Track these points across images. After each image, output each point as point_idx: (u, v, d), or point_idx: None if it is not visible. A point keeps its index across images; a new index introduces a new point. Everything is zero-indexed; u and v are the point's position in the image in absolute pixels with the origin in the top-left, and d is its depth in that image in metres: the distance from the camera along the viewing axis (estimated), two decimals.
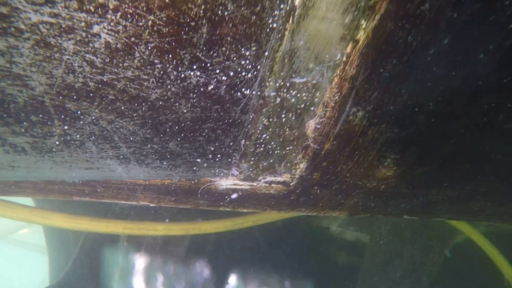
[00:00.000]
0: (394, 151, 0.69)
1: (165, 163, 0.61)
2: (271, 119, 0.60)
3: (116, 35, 0.46)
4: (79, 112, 0.52)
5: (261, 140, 0.63)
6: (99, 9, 0.44)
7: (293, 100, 0.58)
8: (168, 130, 0.57)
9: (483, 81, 0.59)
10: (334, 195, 0.75)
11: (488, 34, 0.54)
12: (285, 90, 0.57)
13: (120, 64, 0.49)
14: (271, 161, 0.67)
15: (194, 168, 0.64)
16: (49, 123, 0.52)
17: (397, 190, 0.76)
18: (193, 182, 0.67)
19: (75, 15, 0.44)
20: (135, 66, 0.49)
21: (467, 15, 0.52)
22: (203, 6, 0.46)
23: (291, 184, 0.71)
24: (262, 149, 0.65)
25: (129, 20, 0.45)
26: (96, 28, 0.45)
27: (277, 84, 0.56)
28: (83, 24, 0.45)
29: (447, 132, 0.68)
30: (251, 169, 0.67)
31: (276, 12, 0.49)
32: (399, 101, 0.61)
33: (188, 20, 0.47)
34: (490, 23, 0.53)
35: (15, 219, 0.64)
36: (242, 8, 0.47)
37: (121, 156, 0.58)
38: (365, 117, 0.62)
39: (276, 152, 0.66)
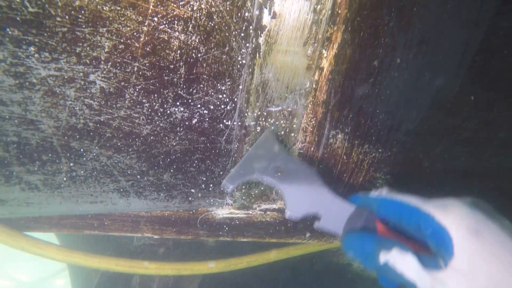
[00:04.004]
0: (383, 172, 0.70)
1: (161, 194, 0.67)
2: None
3: (108, 81, 0.55)
4: (82, 150, 0.60)
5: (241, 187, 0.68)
6: (93, 61, 0.53)
7: (272, 128, 0.63)
8: (161, 162, 0.64)
9: (454, 95, 0.62)
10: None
11: (444, 52, 0.58)
12: (263, 119, 0.62)
13: (114, 105, 0.57)
14: (262, 188, 0.70)
15: (190, 198, 0.69)
16: (57, 161, 0.60)
17: None
18: (191, 212, 0.72)
19: (74, 67, 0.53)
20: (126, 106, 0.57)
21: (420, 38, 0.56)
22: (179, 51, 0.54)
23: None
24: None
25: (118, 67, 0.54)
26: (92, 77, 0.54)
27: (255, 114, 0.62)
28: (81, 74, 0.54)
29: (433, 149, 0.69)
30: (244, 197, 0.71)
31: (243, 50, 0.56)
32: (376, 121, 0.64)
33: (167, 64, 0.55)
34: (443, 44, 0.57)
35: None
36: (213, 50, 0.55)
37: (121, 189, 0.65)
38: (345, 139, 0.66)
39: None
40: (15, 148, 0.57)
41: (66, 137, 0.58)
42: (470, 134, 0.65)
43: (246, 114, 0.62)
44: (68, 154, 0.60)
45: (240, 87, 0.59)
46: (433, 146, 0.68)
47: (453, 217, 0.46)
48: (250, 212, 0.73)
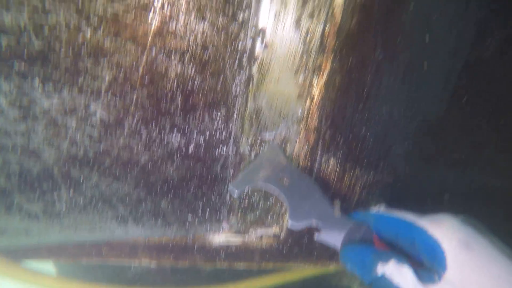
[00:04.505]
0: (375, 196, 0.72)
1: (159, 221, 0.68)
2: None
3: (108, 110, 0.57)
4: (81, 178, 0.61)
5: (244, 194, 0.69)
6: (94, 91, 0.56)
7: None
8: (158, 189, 0.65)
9: (440, 120, 0.65)
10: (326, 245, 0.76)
11: (428, 79, 0.61)
12: (257, 145, 0.65)
13: (113, 134, 0.59)
14: (257, 213, 0.71)
15: (187, 224, 0.70)
16: (57, 190, 0.61)
17: None
18: (188, 238, 0.72)
19: (76, 98, 0.56)
20: (125, 135, 0.59)
21: (404, 66, 0.60)
22: (176, 81, 0.57)
23: (281, 235, 0.74)
24: (246, 202, 0.70)
25: (118, 97, 0.56)
26: (92, 107, 0.57)
27: (249, 141, 0.64)
28: (82, 104, 0.56)
29: (423, 172, 0.71)
30: (240, 223, 0.72)
31: (237, 79, 0.59)
32: (366, 145, 0.66)
33: (165, 93, 0.58)
34: (427, 71, 0.60)
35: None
36: (208, 80, 0.58)
37: (119, 217, 0.66)
38: (338, 163, 0.67)
39: (260, 204, 0.71)
40: (16, 177, 0.59)
41: (66, 166, 0.60)
42: (458, 156, 0.68)
43: (240, 141, 0.64)
44: (68, 183, 0.61)
45: (235, 114, 0.61)
46: (423, 169, 0.70)
47: (445, 230, 0.47)
48: (246, 238, 0.74)
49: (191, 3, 0.52)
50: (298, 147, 0.65)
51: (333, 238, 0.61)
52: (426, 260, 0.49)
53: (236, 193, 0.62)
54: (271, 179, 0.63)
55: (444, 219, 0.49)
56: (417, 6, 0.56)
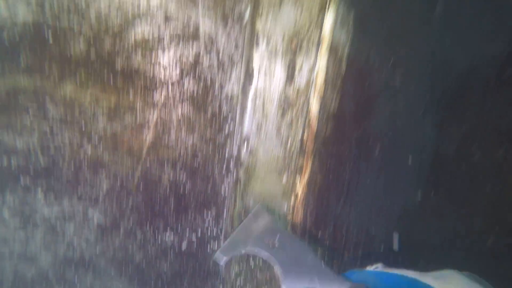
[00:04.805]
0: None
1: None
2: (241, 266, 0.69)
3: (105, 215, 0.61)
4: (76, 280, 0.63)
5: (237, 285, 0.71)
6: (93, 199, 0.60)
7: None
8: (152, 285, 0.67)
9: (417, 208, 0.69)
10: None
11: (401, 173, 0.67)
12: None
13: (109, 237, 0.62)
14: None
15: None
16: None
17: None
18: None
19: (75, 205, 0.60)
20: (121, 237, 0.63)
21: (379, 163, 0.65)
22: (168, 187, 0.62)
23: None
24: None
25: (114, 203, 0.61)
26: (90, 212, 0.60)
27: None
28: (81, 211, 0.60)
29: (408, 256, 0.73)
30: None
31: (225, 182, 0.64)
32: (351, 232, 0.70)
33: (158, 197, 0.62)
34: (399, 167, 0.66)
35: None
36: (198, 184, 0.63)
37: None
38: (325, 253, 0.70)
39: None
40: (9, 284, 0.61)
41: (61, 269, 0.62)
42: (440, 240, 0.71)
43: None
44: (62, 286, 0.63)
45: (224, 213, 0.65)
46: (407, 251, 0.73)
47: (454, 287, 0.47)
48: None
49: (182, 120, 0.59)
50: None
51: None
52: None
53: (223, 260, 0.59)
54: (260, 243, 0.61)
55: (450, 276, 0.48)
56: (381, 112, 0.63)
